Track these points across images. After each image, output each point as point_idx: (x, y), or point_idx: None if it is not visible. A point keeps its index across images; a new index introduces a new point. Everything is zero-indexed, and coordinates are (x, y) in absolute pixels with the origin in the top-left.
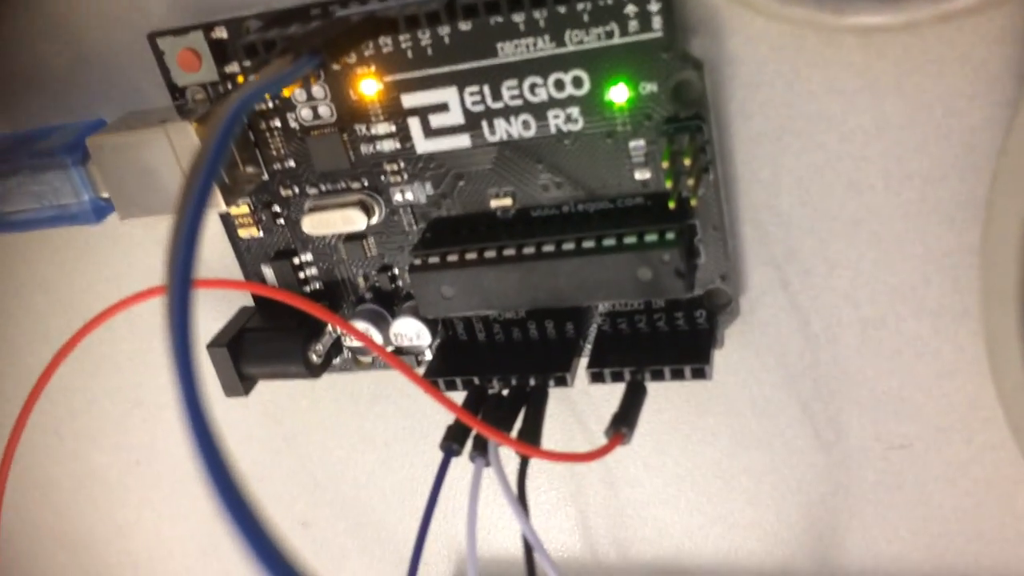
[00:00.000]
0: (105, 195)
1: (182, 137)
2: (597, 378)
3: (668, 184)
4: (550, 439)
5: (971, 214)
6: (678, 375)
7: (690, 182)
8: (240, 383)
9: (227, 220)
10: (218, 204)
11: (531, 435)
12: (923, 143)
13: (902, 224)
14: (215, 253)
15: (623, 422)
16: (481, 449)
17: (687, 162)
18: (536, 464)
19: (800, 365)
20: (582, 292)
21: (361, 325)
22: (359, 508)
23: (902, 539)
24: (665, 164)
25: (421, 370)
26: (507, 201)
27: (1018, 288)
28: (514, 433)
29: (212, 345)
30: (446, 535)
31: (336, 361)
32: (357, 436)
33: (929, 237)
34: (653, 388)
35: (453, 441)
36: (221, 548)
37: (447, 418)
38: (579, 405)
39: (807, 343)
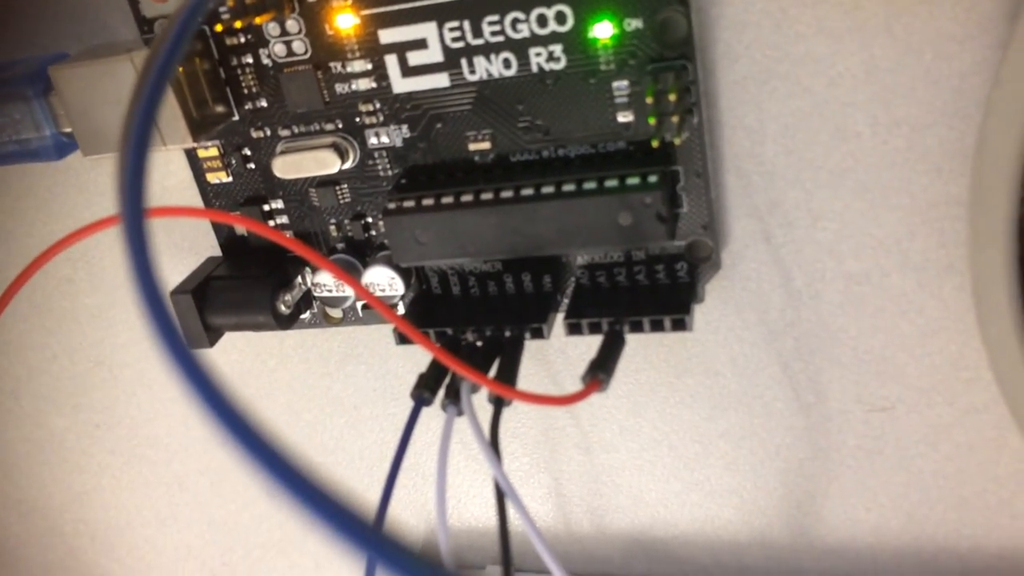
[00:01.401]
0: (67, 130)
1: None
2: (574, 329)
3: (651, 122)
4: None
5: (958, 163)
6: (658, 326)
7: (674, 119)
8: (205, 334)
9: (195, 164)
10: (185, 139)
11: (506, 378)
12: (911, 88)
13: (888, 174)
14: (182, 200)
15: (600, 368)
16: (454, 397)
17: (672, 98)
18: (509, 428)
19: (781, 322)
20: (561, 238)
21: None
22: (326, 475)
23: (881, 506)
24: (649, 100)
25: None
26: (486, 144)
27: (1009, 225)
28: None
29: (176, 292)
30: (415, 504)
31: (305, 317)
32: (326, 398)
33: (915, 187)
34: (631, 348)
35: (425, 389)
36: (182, 517)
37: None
38: (555, 365)
39: (789, 299)
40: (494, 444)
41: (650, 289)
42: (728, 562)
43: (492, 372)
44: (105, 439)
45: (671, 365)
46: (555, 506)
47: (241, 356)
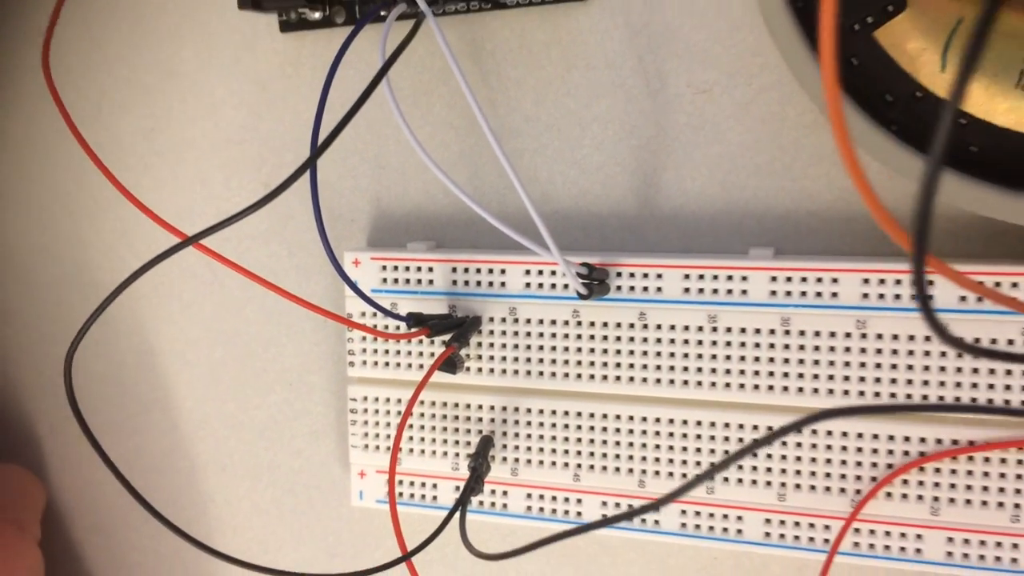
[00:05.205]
0: None
1: None
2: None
3: None
4: None
5: None
6: None
7: None
8: None
9: None
10: None
11: None
12: None
13: None
14: None
15: None
16: None
17: None
18: (441, 116)
19: (639, 23)
20: None
21: None
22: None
23: (703, 176)
24: None
25: None
26: None
27: None
28: None
29: None
30: (368, 191)
31: (317, 16)
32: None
33: None
34: (538, 45)
35: None
36: (196, 211)
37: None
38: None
39: (645, 4)
40: None
41: None
42: (593, 232)
43: None
44: (154, 141)
45: (563, 62)
46: (473, 190)
47: (268, 65)
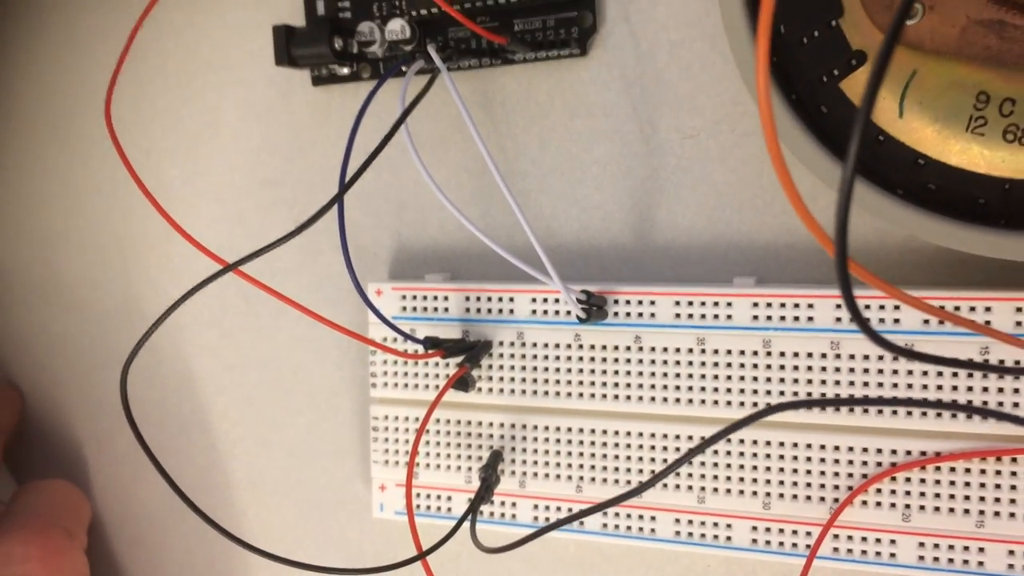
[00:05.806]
0: None
1: None
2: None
3: None
4: None
5: None
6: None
7: None
8: (286, 56)
9: None
10: None
11: None
12: None
13: None
14: None
15: None
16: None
17: None
18: (459, 161)
19: (634, 76)
20: None
21: (367, 24)
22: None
23: (692, 213)
24: None
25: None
26: None
27: None
28: None
29: (276, 26)
30: (390, 227)
31: (345, 72)
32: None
33: None
34: (543, 96)
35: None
36: (233, 246)
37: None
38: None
39: (638, 60)
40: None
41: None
42: (593, 263)
43: None
44: (197, 184)
45: (566, 111)
46: (485, 226)
47: (299, 116)
